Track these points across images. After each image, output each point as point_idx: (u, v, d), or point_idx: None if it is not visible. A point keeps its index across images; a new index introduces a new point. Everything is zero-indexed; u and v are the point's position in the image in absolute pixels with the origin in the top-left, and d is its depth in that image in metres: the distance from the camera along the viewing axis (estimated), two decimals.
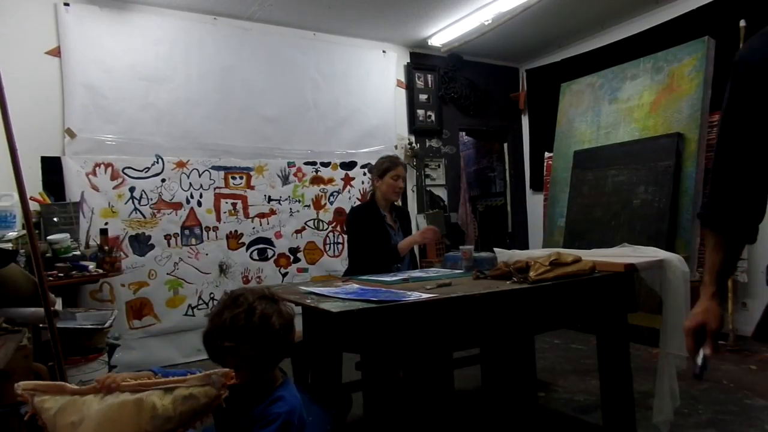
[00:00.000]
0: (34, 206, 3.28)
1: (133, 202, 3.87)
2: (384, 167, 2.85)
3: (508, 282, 2.03)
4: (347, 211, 4.78)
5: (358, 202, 4.79)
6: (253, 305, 1.23)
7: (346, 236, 3.72)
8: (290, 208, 4.54)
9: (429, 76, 5.47)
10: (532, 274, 1.99)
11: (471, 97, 5.73)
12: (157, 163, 3.97)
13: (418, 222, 5.24)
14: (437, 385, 1.87)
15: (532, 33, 5.13)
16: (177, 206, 4.04)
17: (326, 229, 4.72)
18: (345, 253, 4.72)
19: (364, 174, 4.93)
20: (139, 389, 1.06)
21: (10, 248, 2.49)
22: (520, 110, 6.13)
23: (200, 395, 1.05)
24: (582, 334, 3.95)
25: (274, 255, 4.45)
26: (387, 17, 4.60)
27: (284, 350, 1.28)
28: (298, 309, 2.08)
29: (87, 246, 3.37)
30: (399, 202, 4.94)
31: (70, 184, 3.63)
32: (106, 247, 3.25)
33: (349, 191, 4.85)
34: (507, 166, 6.26)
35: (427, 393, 1.83)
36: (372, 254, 2.73)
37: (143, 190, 3.90)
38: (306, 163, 4.64)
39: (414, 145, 5.27)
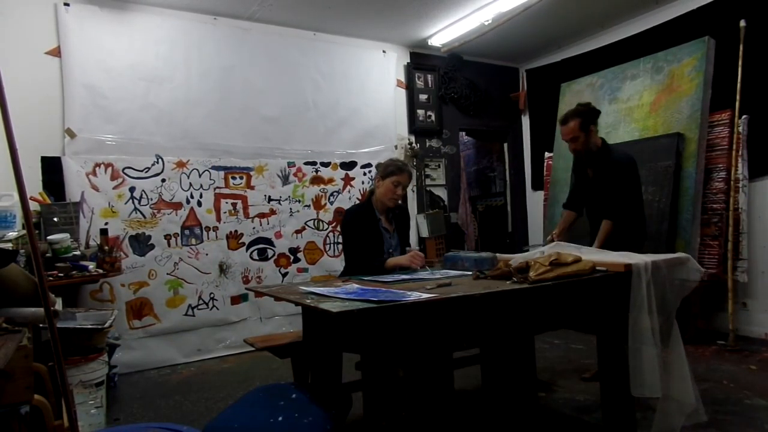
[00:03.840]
0: (34, 206, 3.28)
1: (133, 202, 3.87)
2: (389, 170, 2.78)
3: (508, 282, 2.03)
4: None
5: (358, 202, 4.79)
6: None
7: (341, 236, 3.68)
8: (290, 208, 4.54)
9: (429, 76, 5.47)
10: (532, 274, 1.99)
11: (471, 97, 5.73)
12: (157, 163, 3.97)
13: (418, 222, 5.24)
14: (437, 385, 1.87)
15: (532, 33, 5.13)
16: (177, 206, 4.04)
17: (326, 229, 4.72)
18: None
19: (365, 174, 4.93)
20: None
21: (10, 248, 2.49)
22: (520, 110, 6.13)
23: None
24: (582, 334, 3.95)
25: (274, 255, 4.45)
26: (387, 17, 4.60)
27: None
28: (299, 309, 2.08)
29: (87, 246, 3.37)
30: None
31: (70, 184, 3.63)
32: (106, 247, 3.25)
33: (349, 191, 4.85)
34: (507, 166, 6.26)
35: (427, 393, 1.83)
36: (362, 260, 2.70)
37: (143, 190, 3.90)
38: (306, 163, 4.64)
39: (414, 145, 5.27)
